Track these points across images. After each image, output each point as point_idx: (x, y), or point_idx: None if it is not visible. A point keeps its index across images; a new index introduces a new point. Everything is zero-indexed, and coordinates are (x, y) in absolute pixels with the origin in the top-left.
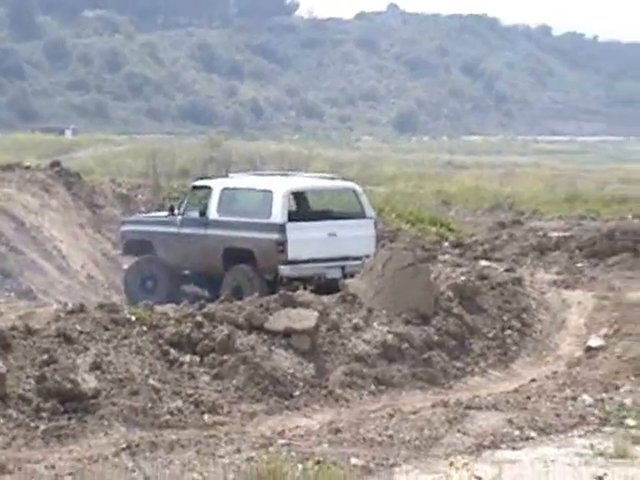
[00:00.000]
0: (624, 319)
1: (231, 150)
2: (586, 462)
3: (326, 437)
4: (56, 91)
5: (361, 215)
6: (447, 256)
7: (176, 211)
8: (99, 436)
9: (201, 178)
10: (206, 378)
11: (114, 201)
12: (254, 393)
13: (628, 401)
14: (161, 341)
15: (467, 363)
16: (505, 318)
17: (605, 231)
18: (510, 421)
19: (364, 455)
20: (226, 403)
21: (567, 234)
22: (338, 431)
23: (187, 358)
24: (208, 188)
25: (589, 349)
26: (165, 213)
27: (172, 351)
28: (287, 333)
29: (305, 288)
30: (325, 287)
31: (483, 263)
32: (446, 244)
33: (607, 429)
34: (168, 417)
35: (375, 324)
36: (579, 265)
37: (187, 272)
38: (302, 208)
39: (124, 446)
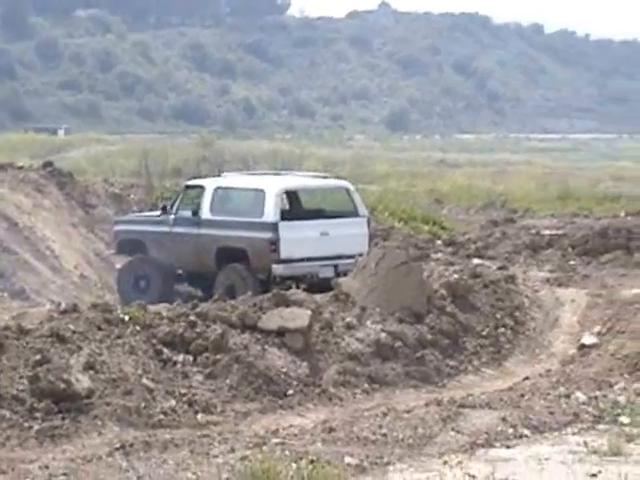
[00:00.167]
0: (617, 317)
1: (224, 149)
2: (580, 460)
3: (320, 436)
4: (48, 91)
5: (354, 214)
6: (440, 254)
7: (169, 210)
8: (93, 436)
9: (194, 178)
10: (199, 377)
11: (107, 201)
12: (248, 392)
13: (622, 399)
14: (154, 341)
15: (460, 361)
16: (498, 316)
17: (598, 229)
18: (504, 419)
19: (358, 454)
20: (220, 402)
21: (560, 232)
22: (332, 430)
23: (180, 357)
24: (201, 187)
25: (582, 347)
26: (158, 213)
27: (165, 350)
28: (280, 332)
29: (298, 287)
30: (318, 286)
31: (476, 261)
32: (439, 242)
33: (601, 427)
34: (162, 417)
35: (368, 323)
36: (572, 263)
37: (180, 271)
38: (295, 207)
39: (118, 446)
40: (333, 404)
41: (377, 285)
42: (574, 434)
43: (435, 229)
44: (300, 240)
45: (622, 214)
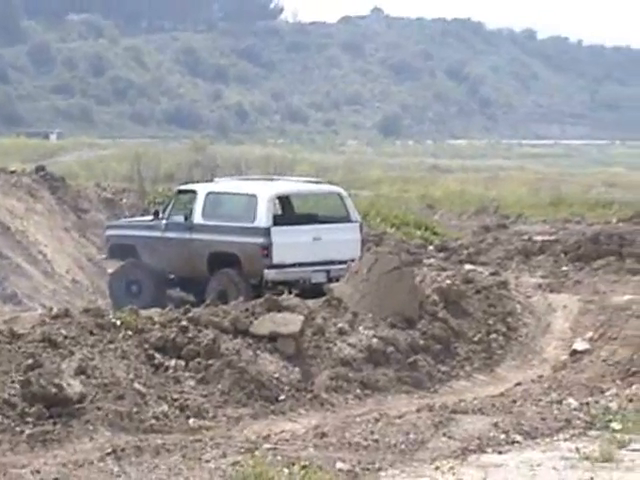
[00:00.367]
0: (609, 323)
1: (216, 154)
2: (572, 466)
3: (312, 441)
4: (41, 95)
5: (346, 219)
6: (432, 260)
7: (161, 215)
8: (84, 441)
9: (186, 182)
10: (191, 382)
11: (99, 205)
12: (239, 397)
13: (613, 405)
14: (146, 345)
15: (452, 367)
16: (490, 322)
17: (590, 235)
18: (496, 425)
19: (350, 459)
20: (211, 407)
21: (552, 238)
22: (324, 435)
23: (172, 362)
24: (193, 192)
25: (574, 353)
26: (150, 217)
27: (157, 355)
28: (272, 337)
29: (290, 292)
30: (310, 291)
31: (468, 267)
32: (431, 248)
33: (593, 433)
34: (153, 422)
35: (360, 328)
36: (564, 269)
37: (172, 276)
38: (287, 212)
39: (109, 451)
40: (325, 409)
41: (369, 290)
42: (566, 440)
43: (427, 235)
44: (292, 245)
45: (614, 220)
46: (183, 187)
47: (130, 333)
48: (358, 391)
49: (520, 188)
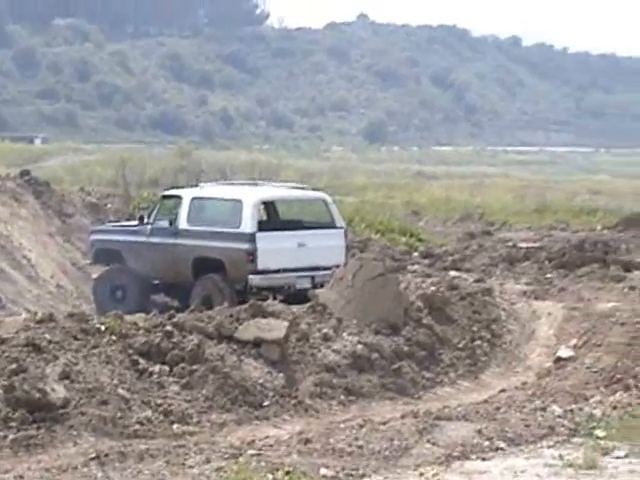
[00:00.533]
0: (594, 330)
1: (201, 160)
2: (555, 473)
3: (296, 447)
4: (26, 100)
5: (331, 225)
6: (417, 266)
7: (146, 220)
8: (68, 446)
9: (171, 188)
10: (175, 388)
11: (84, 210)
12: (224, 403)
13: (597, 412)
14: (130, 351)
15: (437, 373)
16: (475, 329)
17: (575, 242)
18: (480, 432)
19: (334, 465)
20: (195, 413)
21: (537, 245)
22: (308, 441)
23: (156, 368)
24: (178, 197)
25: (559, 360)
26: (135, 222)
27: (141, 361)
28: (257, 343)
29: (275, 298)
30: (295, 297)
31: (453, 273)
32: (416, 254)
33: (576, 440)
34: (137, 427)
35: (345, 334)
36: (549, 276)
37: (157, 282)
38: (272, 218)
39: (93, 456)
40: (309, 415)
41: (354, 297)
42: (550, 447)
43: (412, 241)
44: (277, 251)
45: (599, 227)
46: (168, 192)
47: (114, 338)
48: (342, 397)
49: (505, 195)
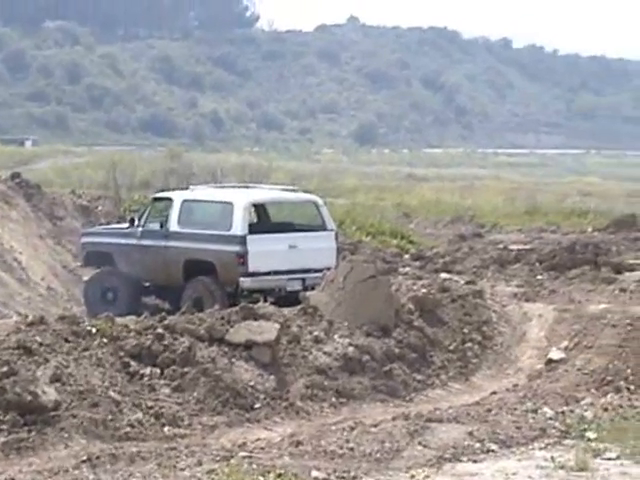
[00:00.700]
0: (584, 332)
1: (192, 162)
2: (547, 475)
3: (287, 449)
4: (16, 102)
5: (322, 227)
6: (408, 268)
7: (137, 223)
8: (59, 448)
9: (162, 190)
10: (166, 390)
11: (74, 213)
12: (215, 405)
13: (589, 414)
14: (122, 353)
15: (428, 376)
16: (466, 331)
17: (565, 244)
18: (471, 434)
19: (325, 468)
20: (187, 415)
21: (527, 247)
22: (299, 444)
23: (147, 370)
24: (169, 200)
25: (550, 362)
26: (126, 225)
27: (132, 363)
28: (248, 345)
29: (266, 300)
30: (286, 299)
31: (444, 276)
32: (407, 256)
33: (568, 442)
34: (128, 429)
35: (336, 336)
36: (539, 278)
37: (148, 284)
38: (263, 220)
39: (84, 458)
40: (300, 418)
41: (345, 299)
42: (541, 449)
43: (403, 243)
44: (268, 253)
45: (589, 229)
46: (159, 195)
47: (105, 341)
48: (333, 399)
49: (495, 197)
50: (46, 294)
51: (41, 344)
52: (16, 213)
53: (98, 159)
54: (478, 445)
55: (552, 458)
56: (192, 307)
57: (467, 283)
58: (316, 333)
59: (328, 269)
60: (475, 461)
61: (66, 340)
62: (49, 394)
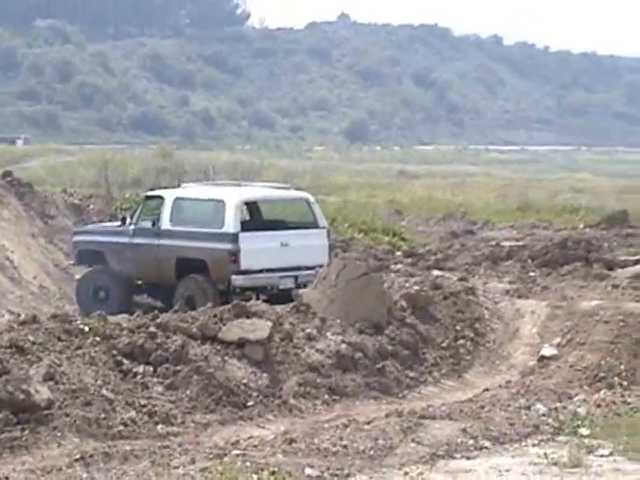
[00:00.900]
0: (577, 328)
1: (183, 160)
2: (540, 471)
3: (280, 447)
4: (7, 101)
5: (314, 225)
6: (400, 266)
7: (128, 221)
8: (52, 447)
9: (153, 188)
10: (159, 388)
11: (66, 211)
12: (208, 403)
13: (581, 410)
14: (114, 351)
15: (421, 373)
16: (458, 328)
17: (557, 240)
18: (464, 430)
19: (318, 465)
20: (180, 413)
21: (519, 243)
22: (292, 441)
23: (140, 368)
24: (161, 198)
25: (542, 358)
26: (117, 223)
27: (125, 361)
28: (241, 343)
29: (258, 298)
30: (278, 297)
31: (436, 273)
32: (399, 254)
33: (561, 438)
34: (121, 428)
35: (329, 334)
36: (532, 274)
37: (140, 282)
38: (255, 218)
39: (78, 457)
40: (293, 415)
41: (337, 296)
42: (534, 445)
43: (395, 240)
44: (260, 251)
45: (581, 226)
46: (150, 193)
47: (98, 339)
48: (326, 397)
49: (487, 194)
50: (38, 293)
51: (34, 343)
52: (8, 212)
53: (89, 157)
54: (471, 442)
55: (545, 454)
56: (184, 305)
57: (459, 280)
58: (309, 331)
59: (320, 266)
60: (468, 458)
61: (59, 339)
62: (42, 393)
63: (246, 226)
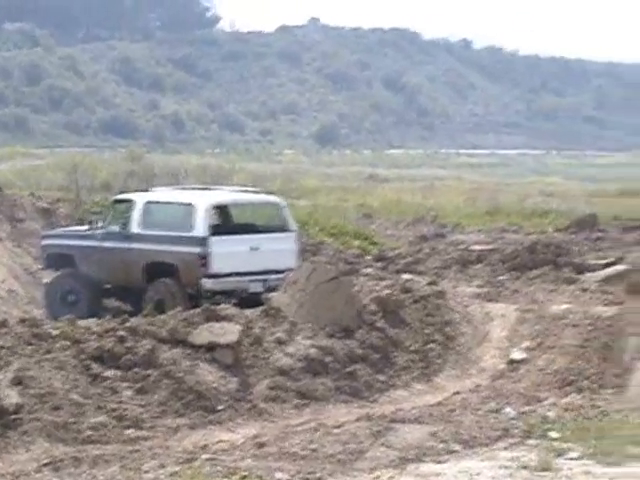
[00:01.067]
0: (546, 332)
1: (153, 164)
2: (510, 475)
3: (250, 451)
4: None
5: (284, 229)
6: (370, 269)
7: (98, 224)
8: (21, 452)
9: (123, 192)
10: (129, 393)
11: (34, 215)
12: (177, 407)
13: (551, 414)
14: (83, 356)
15: (391, 376)
16: (428, 331)
17: (527, 244)
18: (434, 434)
19: (289, 469)
20: (149, 418)
21: (489, 247)
22: (262, 445)
23: (110, 373)
24: (130, 202)
25: (512, 362)
26: (86, 227)
27: (95, 366)
28: (210, 347)
29: (228, 302)
30: (248, 301)
31: (406, 276)
32: (369, 257)
33: (530, 442)
34: (91, 432)
35: (298, 338)
36: (501, 278)
37: (109, 286)
38: (225, 222)
39: (47, 461)
40: (263, 419)
41: (307, 300)
42: (504, 449)
43: (365, 244)
44: (230, 255)
45: (550, 229)
46: (120, 196)
47: (67, 343)
48: (296, 401)
49: (457, 197)
50: (6, 297)
51: (2, 347)
52: None
53: (58, 161)
54: (441, 445)
55: (515, 458)
56: (154, 309)
57: (429, 284)
58: (278, 334)
59: (290, 270)
60: (439, 462)
61: (28, 343)
62: (11, 397)
63: (216, 230)
